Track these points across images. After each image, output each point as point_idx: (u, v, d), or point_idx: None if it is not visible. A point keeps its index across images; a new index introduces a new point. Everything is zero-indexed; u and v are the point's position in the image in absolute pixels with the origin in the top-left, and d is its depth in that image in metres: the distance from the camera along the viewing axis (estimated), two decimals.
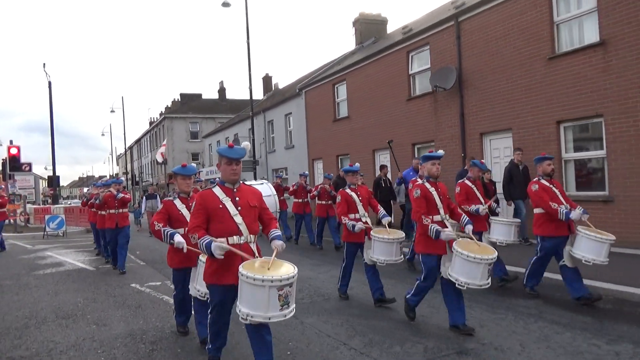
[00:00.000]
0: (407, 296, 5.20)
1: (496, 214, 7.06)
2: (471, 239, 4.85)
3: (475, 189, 6.68)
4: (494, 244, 6.47)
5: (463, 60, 12.10)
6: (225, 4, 20.73)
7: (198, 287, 4.42)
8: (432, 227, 4.76)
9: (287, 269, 3.44)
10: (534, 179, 6.05)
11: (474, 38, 11.83)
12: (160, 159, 35.59)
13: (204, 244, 3.53)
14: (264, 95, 33.46)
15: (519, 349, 4.29)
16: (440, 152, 5.19)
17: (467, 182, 6.70)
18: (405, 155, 13.69)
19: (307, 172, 13.75)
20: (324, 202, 11.01)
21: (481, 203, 6.58)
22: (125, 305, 6.50)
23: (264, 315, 3.31)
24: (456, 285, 4.64)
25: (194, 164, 4.52)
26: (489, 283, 4.64)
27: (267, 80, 33.71)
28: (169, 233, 4.43)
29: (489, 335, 4.67)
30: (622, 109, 8.71)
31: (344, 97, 17.63)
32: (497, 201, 8.53)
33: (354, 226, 5.90)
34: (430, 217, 4.88)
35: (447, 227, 4.86)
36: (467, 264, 4.54)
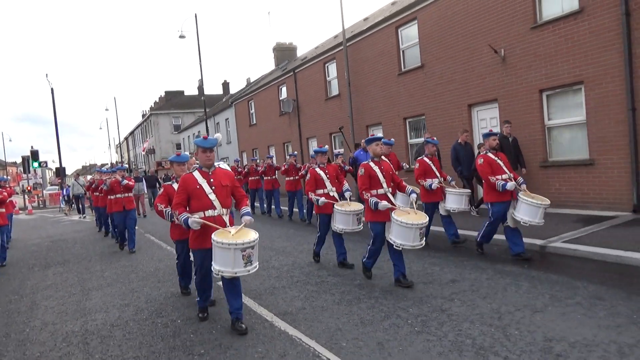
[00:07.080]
0: (363, 260, 5.83)
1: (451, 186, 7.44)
2: (412, 207, 5.37)
3: (432, 164, 7.30)
4: (449, 212, 7.31)
5: (298, 95, 20.69)
6: (182, 37, 29.07)
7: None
8: (371, 200, 5.35)
9: (249, 235, 4.26)
10: (481, 153, 6.52)
11: (302, 83, 20.38)
12: (143, 152, 44.24)
13: (182, 219, 4.44)
14: (224, 97, 42.03)
15: (481, 292, 5.02)
16: (380, 134, 5.76)
17: (425, 159, 7.35)
18: (279, 151, 22.46)
19: (295, 152, 14.34)
20: None
21: (437, 177, 7.24)
22: None
23: (231, 271, 4.17)
24: (394, 246, 5.29)
25: (187, 153, 6.24)
26: (422, 244, 5.25)
27: (225, 85, 42.46)
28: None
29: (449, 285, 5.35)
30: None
31: (253, 111, 26.28)
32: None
33: (317, 200, 6.52)
34: (375, 191, 5.46)
35: (389, 199, 5.43)
36: (402, 228, 5.16)
